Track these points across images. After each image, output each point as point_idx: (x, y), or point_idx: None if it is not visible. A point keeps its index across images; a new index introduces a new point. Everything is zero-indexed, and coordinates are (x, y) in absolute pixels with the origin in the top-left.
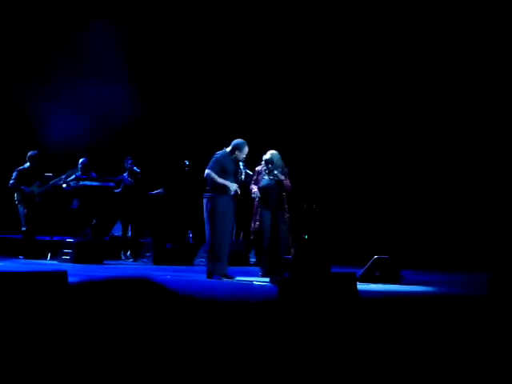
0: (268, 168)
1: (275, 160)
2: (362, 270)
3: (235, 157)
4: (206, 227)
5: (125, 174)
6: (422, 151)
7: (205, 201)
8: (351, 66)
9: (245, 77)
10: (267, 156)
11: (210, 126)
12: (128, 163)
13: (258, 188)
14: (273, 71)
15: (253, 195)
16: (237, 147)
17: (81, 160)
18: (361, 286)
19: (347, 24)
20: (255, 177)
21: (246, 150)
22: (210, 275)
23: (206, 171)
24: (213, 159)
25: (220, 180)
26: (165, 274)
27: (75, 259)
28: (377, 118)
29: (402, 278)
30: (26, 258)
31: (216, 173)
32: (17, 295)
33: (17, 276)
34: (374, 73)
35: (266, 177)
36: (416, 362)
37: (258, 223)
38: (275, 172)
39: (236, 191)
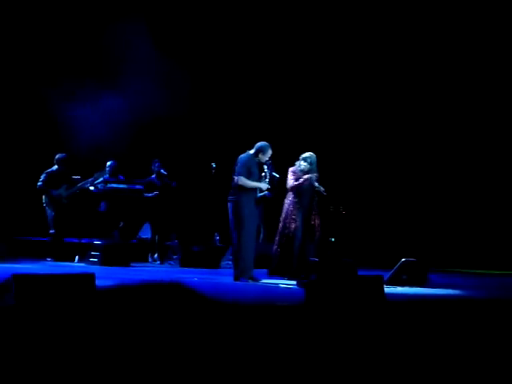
0: (307, 171)
1: (313, 162)
2: (389, 273)
3: (259, 159)
4: (232, 230)
5: (152, 176)
6: (450, 152)
7: (230, 204)
8: (381, 72)
9: (272, 79)
10: (307, 158)
11: (236, 129)
12: (155, 166)
13: (295, 188)
14: (302, 74)
15: (311, 180)
16: (260, 150)
17: (109, 163)
18: (388, 289)
19: (369, 26)
20: (292, 176)
21: (270, 152)
22: (236, 278)
23: (236, 178)
24: (239, 164)
25: (251, 183)
26: (191, 276)
27: (103, 262)
28: (404, 121)
29: (430, 281)
30: (53, 260)
31: (245, 177)
32: (45, 297)
33: (45, 278)
34: (403, 79)
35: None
36: (442, 365)
37: (293, 225)
38: (312, 176)
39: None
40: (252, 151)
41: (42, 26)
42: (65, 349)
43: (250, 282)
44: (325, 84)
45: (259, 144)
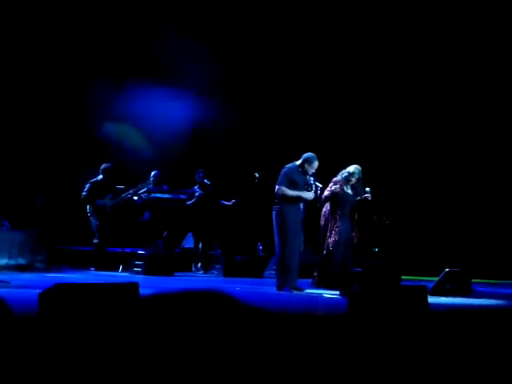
0: (349, 180)
1: (354, 174)
2: (433, 283)
3: (304, 170)
4: (276, 240)
5: (196, 187)
6: (492, 162)
7: (274, 213)
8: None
9: (316, 91)
10: (351, 169)
11: (279, 138)
12: (199, 176)
13: (329, 199)
14: (348, 85)
15: (335, 190)
16: (306, 161)
17: (153, 173)
18: (431, 299)
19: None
20: (330, 186)
21: (316, 164)
22: (279, 287)
23: (276, 187)
24: (281, 174)
25: (291, 192)
26: (234, 286)
27: (146, 271)
28: (448, 131)
29: (474, 291)
30: (97, 269)
31: (286, 187)
32: (89, 307)
33: (89, 288)
34: (446, 84)
35: (348, 190)
36: (487, 375)
37: (337, 236)
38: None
39: (310, 198)
40: (298, 162)
41: (90, 40)
42: (110, 358)
43: (294, 292)
44: (374, 95)
45: (306, 155)
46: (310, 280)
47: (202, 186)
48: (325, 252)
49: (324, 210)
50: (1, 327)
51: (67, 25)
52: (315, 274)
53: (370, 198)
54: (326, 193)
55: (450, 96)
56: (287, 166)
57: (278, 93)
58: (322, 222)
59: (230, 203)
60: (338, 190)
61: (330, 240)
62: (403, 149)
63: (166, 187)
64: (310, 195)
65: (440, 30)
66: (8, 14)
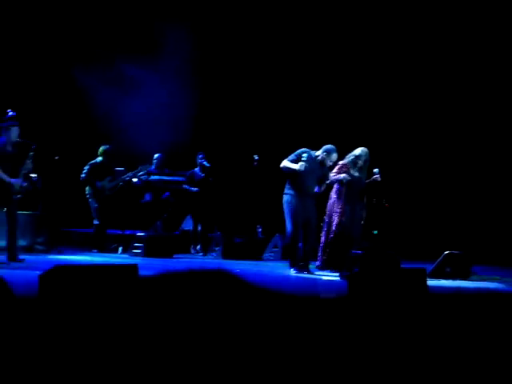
0: (356, 163)
1: (365, 157)
2: (433, 266)
3: (321, 160)
4: (286, 222)
5: (196, 169)
6: (493, 144)
7: (283, 197)
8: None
9: (319, 71)
10: (358, 152)
11: (279, 121)
12: (199, 158)
13: (347, 182)
14: (350, 69)
15: (344, 180)
16: (325, 151)
17: (156, 155)
18: (431, 282)
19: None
20: (337, 168)
21: (334, 156)
22: (292, 265)
23: (282, 162)
24: (294, 152)
25: (286, 164)
26: (234, 268)
27: (146, 253)
28: (449, 112)
29: (473, 274)
30: (99, 251)
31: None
32: (88, 288)
33: (88, 269)
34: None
35: (355, 172)
36: (485, 359)
37: (343, 218)
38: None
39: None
40: (318, 152)
41: (91, 16)
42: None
43: (304, 273)
44: (376, 79)
45: (326, 146)
46: (314, 263)
47: (202, 169)
48: (331, 235)
49: (331, 193)
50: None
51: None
52: (320, 255)
53: (379, 179)
54: (331, 175)
55: (452, 82)
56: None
57: (279, 73)
58: (329, 205)
59: (194, 190)
60: (342, 177)
61: (336, 223)
62: (403, 131)
63: (167, 170)
64: (301, 168)
65: (454, 19)
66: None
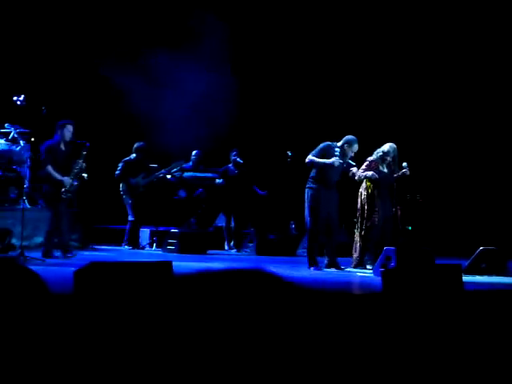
0: (385, 159)
1: (393, 153)
2: (468, 262)
3: (344, 152)
4: (307, 218)
5: (229, 165)
6: None
7: (307, 191)
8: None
9: (350, 68)
10: (386, 148)
11: (312, 117)
12: (233, 154)
13: (376, 181)
14: (379, 63)
15: (372, 177)
16: (347, 142)
17: (194, 152)
18: (466, 278)
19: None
20: (365, 165)
21: (356, 147)
22: (311, 265)
23: (308, 157)
24: (318, 146)
25: (319, 160)
26: (267, 264)
27: (180, 249)
28: (482, 110)
29: (509, 270)
30: (132, 248)
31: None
32: (123, 285)
33: (123, 266)
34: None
35: (384, 168)
36: None
37: (375, 215)
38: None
39: (339, 163)
40: (339, 143)
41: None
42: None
43: (325, 269)
44: (406, 73)
45: (347, 137)
46: (344, 259)
47: (236, 165)
48: (363, 232)
49: (360, 189)
50: (37, 303)
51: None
52: (353, 253)
53: (408, 173)
54: (360, 172)
55: (483, 73)
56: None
57: (312, 71)
58: (359, 202)
59: (263, 193)
60: (370, 175)
61: (368, 220)
62: (437, 126)
63: (201, 167)
64: (336, 162)
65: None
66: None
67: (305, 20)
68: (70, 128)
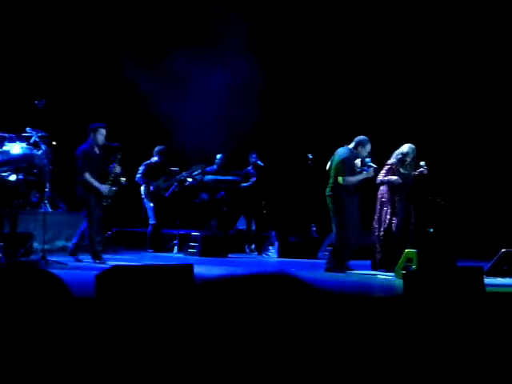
0: (405, 161)
1: (412, 153)
2: (490, 264)
3: (357, 153)
4: (334, 223)
5: (249, 168)
6: None
7: (330, 198)
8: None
9: (368, 70)
10: (405, 149)
11: (332, 120)
12: (253, 157)
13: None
14: (399, 65)
15: (396, 182)
16: (360, 143)
17: (218, 155)
18: (488, 280)
19: None
20: (385, 169)
21: (369, 146)
22: (331, 270)
23: (341, 179)
24: (340, 162)
25: (355, 178)
26: (289, 267)
27: (201, 252)
28: (507, 110)
29: None
30: (154, 251)
31: (350, 175)
32: (145, 288)
33: (144, 269)
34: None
35: (404, 170)
36: None
37: (396, 218)
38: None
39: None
40: (351, 145)
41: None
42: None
43: (345, 273)
44: (423, 73)
45: (358, 138)
46: (363, 261)
47: (256, 168)
48: (382, 234)
49: (380, 192)
50: (60, 307)
51: None
52: (374, 255)
53: (426, 172)
54: (380, 176)
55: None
56: (342, 151)
57: (330, 74)
58: (378, 205)
59: (245, 185)
60: (394, 180)
61: (388, 223)
62: (458, 126)
63: (222, 170)
64: (370, 173)
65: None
66: None
67: (323, 23)
68: (102, 131)
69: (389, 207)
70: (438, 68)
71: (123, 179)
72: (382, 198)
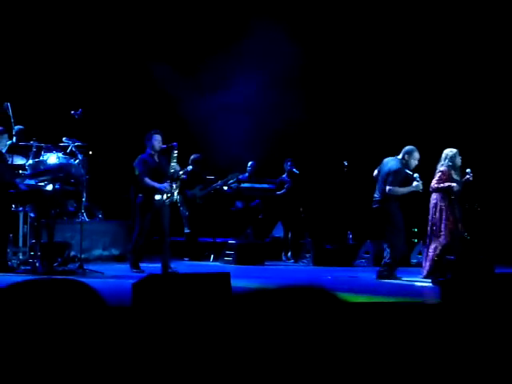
0: (455, 166)
1: (450, 159)
2: None
3: (406, 163)
4: (387, 234)
5: (284, 176)
6: None
7: (379, 209)
8: None
9: (405, 78)
10: (450, 154)
11: (368, 127)
12: (288, 165)
13: (440, 190)
14: (437, 72)
15: (455, 189)
16: (407, 153)
17: (250, 163)
18: None
19: None
20: (438, 176)
21: (417, 155)
22: (383, 277)
23: (388, 188)
24: (390, 173)
25: (404, 189)
26: (325, 275)
27: (237, 260)
28: None
29: None
30: (190, 259)
31: (398, 186)
32: (181, 297)
33: (180, 278)
34: None
35: (456, 176)
36: None
37: (454, 226)
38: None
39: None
40: (399, 156)
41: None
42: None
43: (392, 280)
44: (466, 80)
45: (406, 148)
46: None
47: (291, 175)
48: (441, 244)
49: (433, 201)
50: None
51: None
52: (424, 263)
53: (471, 179)
54: (434, 183)
55: None
56: (392, 163)
57: (365, 81)
58: (436, 212)
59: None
60: (454, 187)
61: (448, 231)
62: (493, 133)
63: (254, 178)
64: (419, 186)
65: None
66: None
67: (361, 33)
68: (157, 137)
69: (446, 215)
70: (482, 75)
71: (182, 174)
72: (439, 205)
